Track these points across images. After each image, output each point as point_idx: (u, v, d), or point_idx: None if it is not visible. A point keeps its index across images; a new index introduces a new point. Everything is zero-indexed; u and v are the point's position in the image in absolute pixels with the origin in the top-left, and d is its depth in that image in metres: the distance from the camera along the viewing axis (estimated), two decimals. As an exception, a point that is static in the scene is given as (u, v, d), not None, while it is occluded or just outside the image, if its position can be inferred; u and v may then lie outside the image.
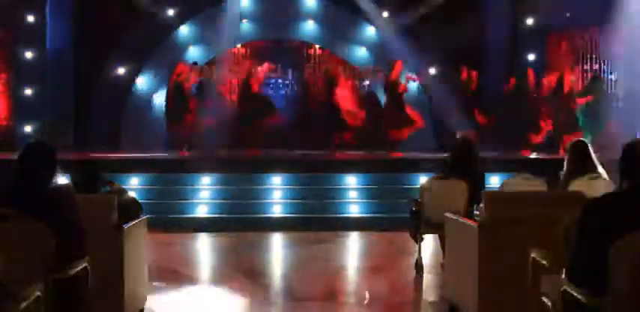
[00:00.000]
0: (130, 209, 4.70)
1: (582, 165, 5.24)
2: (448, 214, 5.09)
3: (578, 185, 5.00)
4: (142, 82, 14.29)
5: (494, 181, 9.31)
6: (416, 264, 6.35)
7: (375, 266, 6.94)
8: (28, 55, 13.51)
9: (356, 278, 6.68)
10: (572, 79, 13.14)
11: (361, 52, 14.75)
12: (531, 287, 3.64)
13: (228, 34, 13.96)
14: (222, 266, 7.18)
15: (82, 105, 14.03)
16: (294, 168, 10.28)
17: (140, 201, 5.31)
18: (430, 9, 14.00)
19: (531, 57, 14.20)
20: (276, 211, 9.49)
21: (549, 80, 13.18)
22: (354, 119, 13.40)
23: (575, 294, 2.90)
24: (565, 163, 5.32)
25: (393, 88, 13.27)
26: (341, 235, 8.75)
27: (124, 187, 5.35)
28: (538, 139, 13.03)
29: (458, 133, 11.67)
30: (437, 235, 6.35)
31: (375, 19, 14.43)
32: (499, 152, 11.81)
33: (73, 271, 3.45)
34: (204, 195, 9.75)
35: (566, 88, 12.90)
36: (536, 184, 5.83)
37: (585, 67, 13.64)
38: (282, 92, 15.13)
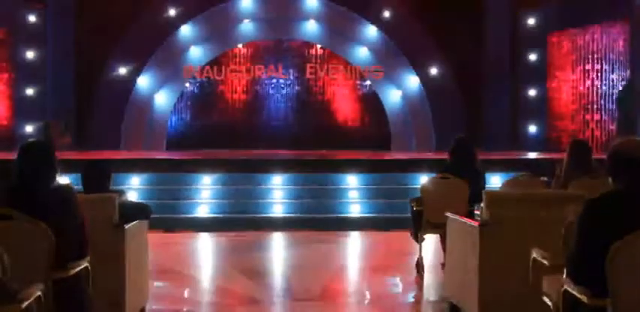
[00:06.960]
0: (138, 212, 4.67)
1: (582, 164, 5.24)
2: (449, 214, 5.09)
3: (578, 185, 5.00)
4: (143, 82, 14.28)
5: (494, 181, 9.29)
6: (416, 264, 6.34)
7: (375, 266, 6.94)
8: (29, 55, 13.52)
9: (356, 278, 6.68)
10: None
11: (362, 52, 14.74)
12: (532, 287, 3.64)
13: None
14: (222, 266, 7.17)
15: (82, 105, 14.03)
16: (294, 168, 10.27)
17: (140, 201, 5.30)
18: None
19: (533, 57, 14.19)
20: (277, 211, 9.48)
21: None
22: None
23: (576, 294, 2.90)
24: (565, 163, 5.32)
25: None
26: (341, 235, 8.74)
27: (123, 187, 5.35)
28: None
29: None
30: (437, 235, 6.35)
31: (376, 18, 14.43)
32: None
33: (73, 271, 3.45)
34: (204, 195, 9.75)
35: None
36: (536, 184, 5.84)
37: (587, 67, 13.61)
38: (284, 92, 15.14)
